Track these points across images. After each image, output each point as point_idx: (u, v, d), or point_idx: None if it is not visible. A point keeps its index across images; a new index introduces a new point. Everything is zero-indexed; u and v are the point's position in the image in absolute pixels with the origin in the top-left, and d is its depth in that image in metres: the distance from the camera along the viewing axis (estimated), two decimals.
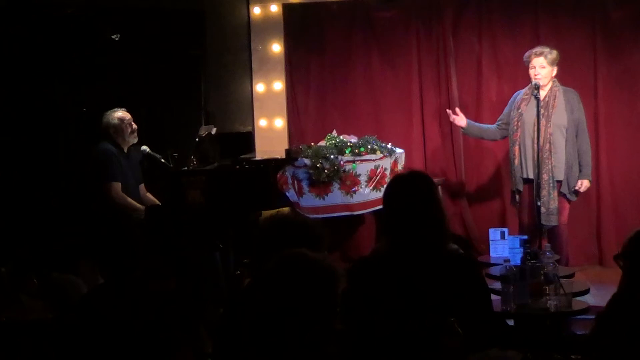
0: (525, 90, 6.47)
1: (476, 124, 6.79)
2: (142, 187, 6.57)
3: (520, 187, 6.42)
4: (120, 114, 6.34)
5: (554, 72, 6.35)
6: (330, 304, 2.62)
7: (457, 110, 6.74)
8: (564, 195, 6.33)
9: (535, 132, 6.17)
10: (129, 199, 6.28)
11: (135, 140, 6.41)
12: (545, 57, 6.30)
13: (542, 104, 6.20)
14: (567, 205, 6.40)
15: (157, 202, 6.55)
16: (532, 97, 6.35)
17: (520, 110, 6.39)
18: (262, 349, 2.60)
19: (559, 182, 6.29)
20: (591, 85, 7.43)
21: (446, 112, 6.89)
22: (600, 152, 7.41)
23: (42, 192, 6.93)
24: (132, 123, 6.35)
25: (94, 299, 3.62)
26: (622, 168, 7.49)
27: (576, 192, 6.40)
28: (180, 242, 6.05)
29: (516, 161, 6.40)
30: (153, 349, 3.19)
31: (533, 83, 6.27)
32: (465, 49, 7.64)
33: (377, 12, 7.73)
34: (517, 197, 6.49)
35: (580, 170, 6.37)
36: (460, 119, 6.67)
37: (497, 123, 6.69)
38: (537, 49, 6.36)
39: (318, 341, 2.54)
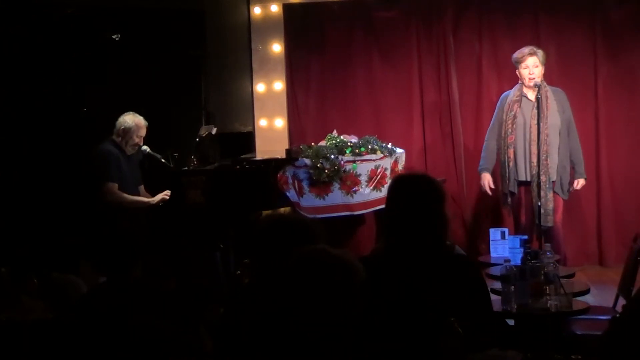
0: (515, 91, 6.46)
1: (489, 162, 6.65)
2: (141, 188, 6.57)
3: (515, 189, 6.42)
4: (139, 120, 6.33)
5: (542, 71, 6.37)
6: (352, 303, 2.54)
7: (485, 184, 6.65)
8: (558, 194, 6.35)
9: (535, 134, 6.17)
10: (127, 195, 6.27)
11: (133, 152, 6.41)
12: (538, 55, 6.31)
13: (536, 104, 6.19)
14: (561, 204, 6.43)
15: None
16: (524, 98, 6.36)
17: (514, 112, 6.37)
18: (272, 348, 2.58)
19: (553, 182, 6.31)
20: (591, 85, 7.43)
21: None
22: (601, 152, 7.41)
23: (42, 192, 6.93)
24: (142, 138, 6.36)
25: (94, 298, 3.62)
26: (622, 168, 7.49)
27: (569, 191, 6.42)
28: (180, 242, 6.06)
29: (511, 164, 6.39)
30: (153, 349, 3.19)
31: (532, 83, 6.26)
32: (466, 49, 7.64)
33: (378, 12, 7.73)
34: (509, 199, 6.48)
35: (574, 170, 6.38)
36: (490, 183, 6.59)
37: (488, 137, 6.62)
38: (530, 49, 6.36)
39: (334, 342, 2.50)
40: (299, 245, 2.89)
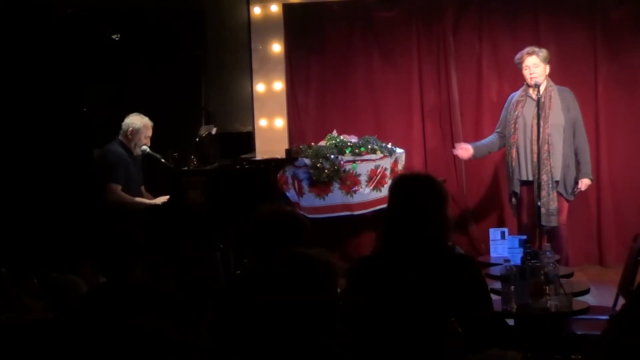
0: (520, 92, 6.45)
1: (480, 143, 6.72)
2: (142, 188, 6.58)
3: (517, 189, 6.41)
4: (146, 121, 6.37)
5: (547, 70, 6.35)
6: (330, 300, 2.65)
7: (457, 145, 6.69)
8: (562, 195, 6.32)
9: (535, 134, 6.16)
10: (129, 197, 6.28)
11: (139, 153, 6.42)
12: (537, 55, 6.30)
13: (536, 104, 6.18)
14: (565, 205, 6.39)
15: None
16: (528, 98, 6.35)
17: (517, 113, 6.37)
18: (265, 348, 2.62)
19: (556, 181, 6.28)
20: (591, 85, 7.43)
21: (452, 148, 6.85)
22: (600, 152, 7.41)
23: (42, 192, 6.93)
24: (149, 138, 6.38)
25: (94, 298, 3.62)
26: (622, 168, 7.49)
27: (574, 192, 6.39)
28: (180, 242, 6.05)
29: (513, 163, 6.38)
30: (153, 349, 3.19)
31: (532, 83, 6.26)
32: (466, 49, 7.64)
33: (378, 12, 7.73)
34: (513, 199, 6.48)
35: (579, 170, 6.37)
36: (464, 152, 6.60)
37: (496, 131, 6.65)
38: (528, 49, 6.36)
39: (318, 340, 2.56)
40: (287, 238, 3.01)
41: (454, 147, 6.77)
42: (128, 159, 6.32)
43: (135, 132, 6.34)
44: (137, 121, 6.35)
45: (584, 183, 6.38)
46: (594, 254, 7.50)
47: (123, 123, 6.39)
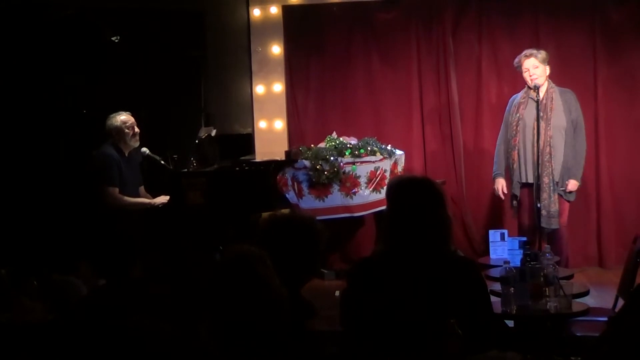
0: (522, 94, 6.45)
1: (500, 163, 6.59)
2: (141, 188, 6.57)
3: (517, 191, 6.40)
4: (123, 117, 6.35)
5: (548, 71, 6.34)
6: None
7: (499, 189, 6.56)
8: (562, 196, 6.32)
9: (535, 136, 6.16)
10: (128, 198, 6.28)
11: (137, 144, 6.42)
12: (536, 57, 6.30)
13: (540, 106, 6.19)
14: (566, 207, 6.39)
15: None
16: (530, 100, 6.34)
17: (518, 115, 6.37)
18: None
19: (557, 183, 6.28)
20: (591, 86, 7.43)
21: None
22: (600, 152, 7.40)
23: (42, 193, 6.93)
24: (135, 127, 6.36)
25: (94, 300, 3.62)
26: (622, 169, 7.49)
27: (572, 193, 6.38)
28: (179, 244, 6.05)
29: (515, 165, 6.38)
30: (153, 350, 3.19)
31: (533, 84, 6.25)
32: (465, 50, 7.64)
33: (377, 14, 7.73)
34: (514, 201, 6.48)
35: (570, 169, 6.34)
36: (505, 186, 6.51)
37: (499, 142, 6.60)
38: (525, 52, 6.36)
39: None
40: (300, 243, 3.02)
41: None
42: (120, 160, 6.31)
43: (118, 130, 6.33)
44: (114, 121, 6.34)
45: (572, 184, 6.34)
46: (593, 256, 7.49)
47: (105, 128, 6.36)
